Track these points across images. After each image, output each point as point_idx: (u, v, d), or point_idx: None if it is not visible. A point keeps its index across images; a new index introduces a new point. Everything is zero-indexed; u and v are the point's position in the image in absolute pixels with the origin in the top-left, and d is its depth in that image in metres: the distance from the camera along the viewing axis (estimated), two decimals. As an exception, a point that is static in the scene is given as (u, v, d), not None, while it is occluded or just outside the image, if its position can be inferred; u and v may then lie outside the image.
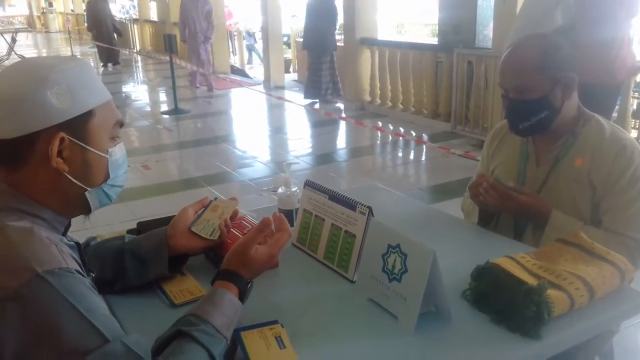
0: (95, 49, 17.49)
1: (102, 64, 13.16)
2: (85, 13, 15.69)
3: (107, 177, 1.09)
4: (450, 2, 6.64)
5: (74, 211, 1.09)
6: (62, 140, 1.00)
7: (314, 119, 7.58)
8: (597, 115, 1.71)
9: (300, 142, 6.53)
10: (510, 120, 1.71)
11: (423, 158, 5.85)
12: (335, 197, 1.50)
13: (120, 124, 1.13)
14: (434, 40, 7.88)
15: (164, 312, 1.27)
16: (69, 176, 1.02)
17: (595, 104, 3.40)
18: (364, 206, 1.41)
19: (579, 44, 3.32)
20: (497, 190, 1.64)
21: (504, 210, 1.72)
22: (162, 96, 9.71)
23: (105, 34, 12.92)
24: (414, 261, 1.19)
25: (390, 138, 6.44)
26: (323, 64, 8.18)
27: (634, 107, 5.11)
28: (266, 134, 7.12)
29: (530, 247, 1.57)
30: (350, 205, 1.45)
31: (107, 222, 3.45)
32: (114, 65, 13.25)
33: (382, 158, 6.07)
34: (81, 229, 1.35)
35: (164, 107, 8.48)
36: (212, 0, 9.89)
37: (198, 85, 10.04)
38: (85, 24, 17.08)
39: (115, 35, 13.34)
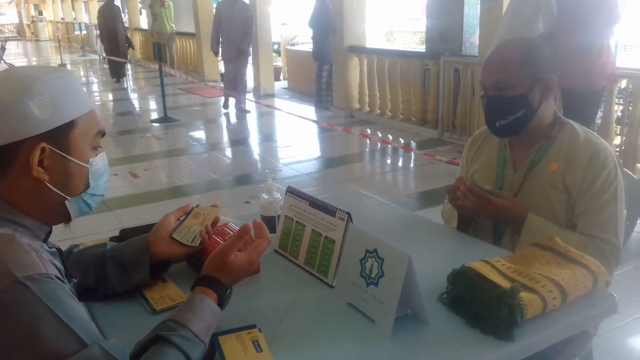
0: (86, 58, 17.57)
1: (114, 80, 11.96)
2: (96, 22, 13.56)
3: (88, 186, 1.10)
4: (438, 11, 6.71)
5: (55, 219, 1.11)
6: (43, 150, 1.02)
7: (303, 127, 7.61)
8: (572, 121, 1.75)
9: (289, 149, 6.56)
10: (488, 118, 1.74)
11: (410, 165, 5.89)
12: (315, 204, 1.53)
13: (102, 134, 1.15)
14: (423, 48, 7.94)
15: (144, 318, 1.28)
16: (49, 185, 1.04)
17: (576, 110, 3.48)
18: (343, 212, 1.44)
19: (559, 50, 3.39)
20: (473, 193, 1.67)
21: (481, 214, 1.75)
22: (152, 104, 9.72)
23: (120, 46, 11.62)
24: (390, 265, 1.21)
25: (379, 145, 6.48)
26: (323, 72, 8.30)
27: (618, 113, 5.17)
28: (255, 141, 7.14)
29: (507, 251, 1.59)
30: (330, 211, 1.47)
31: (94, 230, 3.45)
32: (118, 80, 12.04)
33: (370, 165, 6.10)
34: (68, 237, 1.36)
35: (154, 115, 8.48)
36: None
37: (247, 109, 8.52)
38: (80, 33, 16.37)
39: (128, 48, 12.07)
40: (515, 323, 1.17)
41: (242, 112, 8.47)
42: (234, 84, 8.34)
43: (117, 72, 11.96)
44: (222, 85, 8.90)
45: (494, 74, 1.68)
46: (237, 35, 7.96)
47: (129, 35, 12.18)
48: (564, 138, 1.70)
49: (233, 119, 8.36)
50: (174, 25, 12.00)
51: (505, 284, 1.25)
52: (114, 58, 11.54)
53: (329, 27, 8.00)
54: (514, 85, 1.65)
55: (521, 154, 1.77)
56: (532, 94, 1.66)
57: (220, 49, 8.25)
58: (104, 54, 16.15)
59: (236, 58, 8.15)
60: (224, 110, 8.73)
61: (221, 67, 12.39)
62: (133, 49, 12.95)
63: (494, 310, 1.18)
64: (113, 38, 11.54)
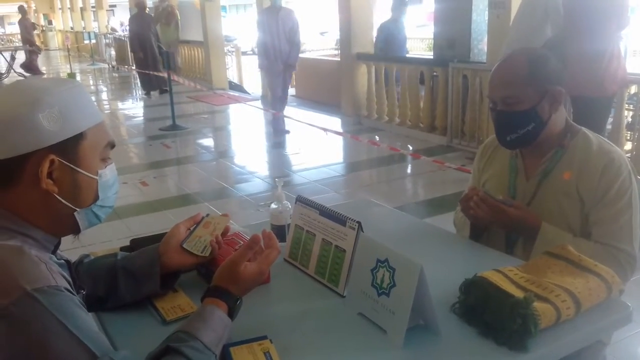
0: (95, 67, 17.67)
1: (144, 92, 11.19)
2: (127, 32, 12.57)
3: (97, 198, 1.10)
4: (445, 17, 6.71)
5: (64, 231, 1.11)
6: (52, 162, 1.02)
7: (311, 134, 7.60)
8: (584, 128, 1.74)
9: (297, 157, 6.56)
10: (498, 132, 1.74)
11: (419, 172, 5.87)
12: (325, 213, 1.52)
13: (112, 146, 1.15)
14: (431, 55, 7.93)
15: (155, 329, 1.28)
16: (58, 197, 1.04)
17: (587, 117, 3.45)
18: (354, 221, 1.43)
19: (569, 57, 3.37)
20: (487, 203, 1.66)
21: (495, 224, 1.73)
22: (161, 112, 9.74)
23: (150, 57, 10.76)
24: (401, 275, 1.20)
25: (387, 152, 6.46)
26: None
27: (628, 119, 5.14)
28: (264, 149, 7.14)
29: (520, 260, 1.58)
30: (340, 220, 1.46)
31: (104, 239, 3.46)
32: (160, 93, 10.93)
33: (379, 172, 6.09)
34: (78, 246, 1.36)
35: (162, 124, 8.51)
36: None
37: (287, 129, 7.36)
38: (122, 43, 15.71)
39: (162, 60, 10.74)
40: (529, 333, 1.16)
41: (282, 133, 7.34)
42: (280, 102, 7.40)
43: (148, 86, 11.09)
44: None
45: (501, 89, 1.67)
46: (284, 48, 6.86)
47: (162, 46, 11.04)
48: (577, 146, 1.69)
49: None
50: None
51: (518, 293, 1.23)
52: (143, 71, 10.85)
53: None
54: (522, 100, 1.63)
55: (533, 162, 1.75)
56: (540, 107, 1.64)
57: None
58: (114, 63, 16.11)
59: (282, 73, 7.10)
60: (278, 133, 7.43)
61: (229, 76, 12.48)
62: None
63: (508, 320, 1.17)
64: (144, 48, 10.78)
